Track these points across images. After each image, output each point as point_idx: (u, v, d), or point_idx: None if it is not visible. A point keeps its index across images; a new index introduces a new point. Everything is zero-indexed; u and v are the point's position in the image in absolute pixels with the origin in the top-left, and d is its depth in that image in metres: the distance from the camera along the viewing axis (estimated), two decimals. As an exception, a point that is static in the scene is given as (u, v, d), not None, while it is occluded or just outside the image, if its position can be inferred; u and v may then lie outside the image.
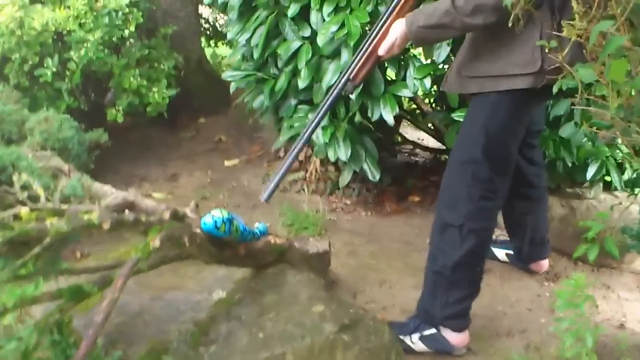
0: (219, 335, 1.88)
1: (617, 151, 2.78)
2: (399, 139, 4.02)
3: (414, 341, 2.25)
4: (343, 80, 2.22)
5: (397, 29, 2.11)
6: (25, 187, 1.60)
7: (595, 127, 1.43)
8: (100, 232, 1.61)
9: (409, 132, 4.32)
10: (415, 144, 4.03)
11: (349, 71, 2.22)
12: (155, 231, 1.62)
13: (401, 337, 2.22)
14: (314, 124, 2.22)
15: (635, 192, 2.81)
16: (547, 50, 1.70)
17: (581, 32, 1.37)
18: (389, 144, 3.92)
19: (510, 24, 1.78)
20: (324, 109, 2.23)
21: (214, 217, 1.83)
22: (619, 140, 1.40)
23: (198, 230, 1.77)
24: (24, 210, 1.53)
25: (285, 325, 1.88)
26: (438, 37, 2.31)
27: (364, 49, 2.20)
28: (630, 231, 1.73)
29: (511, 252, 2.89)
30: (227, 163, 4.18)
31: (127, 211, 1.68)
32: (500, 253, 2.92)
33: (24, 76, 3.39)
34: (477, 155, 2.13)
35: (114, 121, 3.85)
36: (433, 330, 2.25)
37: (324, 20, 2.87)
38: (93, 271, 1.76)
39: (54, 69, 3.36)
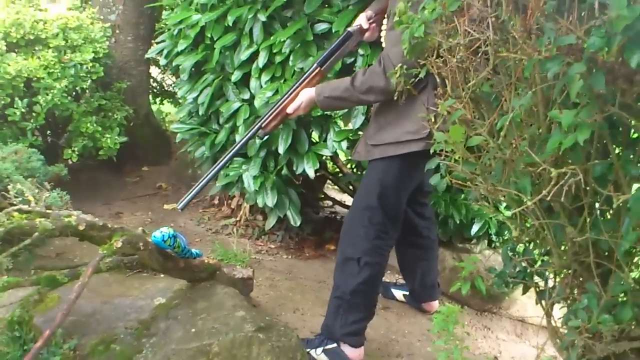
0: (158, 330, 2.25)
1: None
2: (322, 196, 4.39)
3: (318, 353, 2.60)
4: (256, 127, 2.62)
5: (305, 95, 2.54)
6: (17, 195, 2.01)
7: (454, 179, 1.90)
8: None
9: (332, 194, 4.65)
10: (335, 201, 4.38)
11: (262, 121, 2.61)
12: (118, 235, 2.04)
13: (308, 350, 2.56)
14: (229, 155, 2.61)
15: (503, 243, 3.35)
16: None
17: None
18: (313, 201, 4.29)
19: (395, 98, 2.24)
20: (238, 145, 2.62)
21: (162, 232, 2.24)
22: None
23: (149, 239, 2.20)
24: (16, 212, 1.95)
25: (214, 324, 2.24)
26: (339, 106, 2.80)
27: (276, 106, 2.60)
28: (495, 271, 2.10)
29: (407, 293, 3.30)
30: (166, 207, 4.43)
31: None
32: (398, 294, 3.33)
33: (-6, 114, 3.65)
34: (373, 202, 2.54)
35: (66, 160, 4.10)
36: (334, 345, 2.61)
37: (261, 86, 3.25)
38: (62, 268, 2.15)
39: (22, 110, 3.65)
